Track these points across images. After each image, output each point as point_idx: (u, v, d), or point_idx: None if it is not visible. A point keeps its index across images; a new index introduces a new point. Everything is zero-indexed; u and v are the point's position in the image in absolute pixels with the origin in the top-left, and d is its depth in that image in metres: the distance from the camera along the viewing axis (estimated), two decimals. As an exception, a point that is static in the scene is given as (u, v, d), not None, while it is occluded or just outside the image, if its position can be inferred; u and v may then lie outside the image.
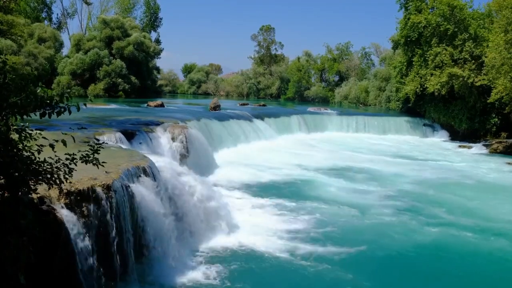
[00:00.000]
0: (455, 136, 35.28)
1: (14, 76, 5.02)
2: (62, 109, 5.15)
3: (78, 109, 5.27)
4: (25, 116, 5.12)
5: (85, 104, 5.68)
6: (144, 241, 8.77)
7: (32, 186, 5.32)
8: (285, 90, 72.82)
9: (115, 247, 7.70)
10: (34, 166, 5.22)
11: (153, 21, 73.05)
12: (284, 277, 9.27)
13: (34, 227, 5.36)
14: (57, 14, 73.83)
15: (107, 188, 7.70)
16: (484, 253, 11.11)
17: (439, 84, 33.29)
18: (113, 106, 31.78)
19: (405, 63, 38.21)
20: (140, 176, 9.13)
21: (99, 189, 7.51)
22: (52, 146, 5.32)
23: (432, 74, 34.21)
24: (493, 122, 33.49)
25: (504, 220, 13.70)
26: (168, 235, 9.25)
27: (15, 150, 5.01)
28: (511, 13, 27.91)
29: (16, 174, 5.02)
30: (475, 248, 11.34)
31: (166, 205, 9.75)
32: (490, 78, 29.95)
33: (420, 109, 38.13)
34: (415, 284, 9.48)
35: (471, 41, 33.39)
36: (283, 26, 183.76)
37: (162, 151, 16.04)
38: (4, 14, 25.79)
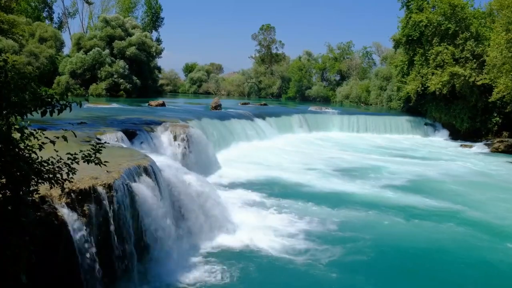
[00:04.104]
0: (456, 135, 35.24)
1: (14, 75, 5.01)
2: (63, 107, 5.15)
3: (80, 105, 5.26)
4: (26, 115, 5.11)
5: (87, 100, 5.67)
6: (145, 240, 8.76)
7: (33, 186, 5.31)
8: (286, 89, 72.78)
9: (116, 246, 7.70)
10: (36, 165, 5.21)
11: (154, 21, 73.03)
12: (285, 277, 9.25)
13: (36, 227, 5.36)
14: (59, 13, 73.88)
15: (109, 187, 7.69)
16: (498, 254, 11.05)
17: (441, 83, 33.26)
18: (114, 105, 31.80)
19: (406, 62, 38.18)
20: (141, 175, 9.12)
21: (100, 189, 7.50)
22: (53, 142, 5.31)
23: (433, 73, 34.17)
24: (494, 122, 33.46)
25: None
26: (169, 234, 9.24)
27: (16, 150, 5.00)
28: (513, 12, 27.88)
29: (18, 173, 5.01)
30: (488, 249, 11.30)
31: (167, 204, 9.75)
32: (492, 77, 29.92)
33: (421, 108, 38.09)
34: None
35: (472, 40, 33.36)
36: (284, 26, 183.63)
37: (164, 151, 16.04)
38: (5, 13, 25.80)
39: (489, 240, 11.78)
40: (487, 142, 31.32)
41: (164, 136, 17.04)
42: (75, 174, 5.77)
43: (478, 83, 31.77)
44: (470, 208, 14.62)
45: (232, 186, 16.12)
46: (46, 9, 66.52)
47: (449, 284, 9.35)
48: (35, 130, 5.26)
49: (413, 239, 11.67)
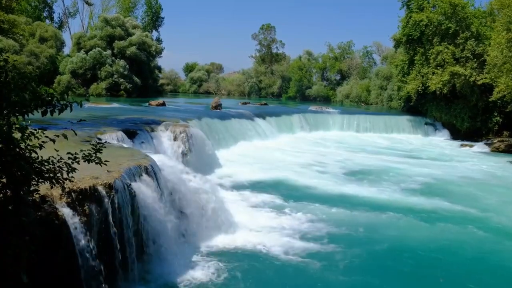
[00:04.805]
0: (456, 135, 35.22)
1: (14, 74, 5.02)
2: (64, 106, 5.15)
3: (81, 105, 5.26)
4: (27, 115, 5.11)
5: (87, 100, 5.67)
6: (146, 240, 8.77)
7: (34, 186, 5.31)
8: (287, 89, 72.73)
9: (116, 246, 7.70)
10: (36, 165, 5.21)
11: (154, 21, 73.03)
12: (286, 277, 9.24)
13: (36, 226, 5.36)
14: (59, 13, 73.72)
15: (109, 187, 7.69)
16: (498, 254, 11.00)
17: (441, 82, 33.24)
18: (114, 105, 31.83)
19: (407, 62, 38.17)
20: (141, 175, 9.12)
21: (100, 188, 7.50)
22: (53, 141, 5.31)
23: (433, 73, 34.15)
24: (495, 121, 33.43)
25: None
26: (169, 234, 9.25)
27: (17, 149, 5.00)
28: (513, 12, 27.85)
29: (19, 173, 5.01)
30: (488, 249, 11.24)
31: (168, 204, 9.75)
32: (492, 77, 29.89)
33: (422, 108, 38.08)
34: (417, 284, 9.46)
35: (473, 39, 33.34)
36: (284, 25, 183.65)
37: (164, 150, 16.04)
38: (5, 13, 25.80)
39: (508, 244, 11.59)
40: (488, 142, 31.30)
41: (164, 136, 17.05)
42: (75, 172, 5.76)
43: (479, 82, 31.74)
44: (487, 211, 14.30)
45: (233, 186, 16.10)
46: (46, 9, 66.53)
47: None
48: (35, 129, 5.26)
49: (430, 242, 11.40)
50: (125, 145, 13.28)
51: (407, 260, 10.29)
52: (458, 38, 33.69)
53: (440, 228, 12.58)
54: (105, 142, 6.30)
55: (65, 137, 5.43)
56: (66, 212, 6.68)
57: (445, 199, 15.56)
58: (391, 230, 12.21)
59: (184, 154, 16.76)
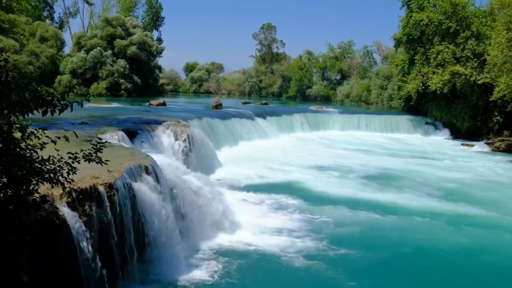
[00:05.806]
0: (457, 134, 35.21)
1: (15, 74, 5.01)
2: (64, 106, 5.14)
3: (81, 105, 5.25)
4: (27, 115, 5.11)
5: (88, 100, 5.66)
6: (146, 240, 8.77)
7: (34, 185, 5.31)
8: (287, 88, 72.67)
9: (116, 246, 7.70)
10: (37, 165, 5.21)
11: (155, 20, 73.03)
12: (286, 276, 9.24)
13: (36, 226, 5.36)
14: (59, 13, 73.69)
15: (109, 186, 7.69)
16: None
17: (441, 82, 33.21)
18: (115, 105, 31.84)
19: (407, 62, 38.16)
20: (142, 175, 9.12)
21: (101, 188, 7.50)
22: (54, 142, 5.31)
23: (434, 73, 34.13)
24: (495, 121, 33.41)
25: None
26: (170, 234, 9.24)
27: (17, 149, 4.99)
28: (514, 11, 27.81)
29: (19, 173, 5.01)
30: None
31: (168, 203, 9.74)
32: (492, 76, 29.85)
33: (422, 107, 38.07)
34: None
35: (473, 39, 33.32)
36: (285, 25, 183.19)
37: (164, 150, 16.04)
38: (6, 13, 25.82)
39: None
40: (488, 141, 31.33)
41: (165, 136, 17.05)
42: (76, 173, 5.76)
43: (479, 82, 31.72)
44: (510, 215, 14.04)
45: (233, 185, 16.09)
46: (46, 9, 66.53)
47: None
48: (36, 129, 5.25)
49: (455, 246, 11.23)
50: (125, 145, 13.28)
51: (433, 265, 10.14)
52: (459, 38, 33.67)
53: (466, 233, 12.27)
54: (106, 141, 6.28)
55: (66, 139, 5.42)
56: (66, 212, 6.67)
57: (467, 203, 15.12)
58: (417, 233, 12.03)
59: (184, 154, 16.76)
